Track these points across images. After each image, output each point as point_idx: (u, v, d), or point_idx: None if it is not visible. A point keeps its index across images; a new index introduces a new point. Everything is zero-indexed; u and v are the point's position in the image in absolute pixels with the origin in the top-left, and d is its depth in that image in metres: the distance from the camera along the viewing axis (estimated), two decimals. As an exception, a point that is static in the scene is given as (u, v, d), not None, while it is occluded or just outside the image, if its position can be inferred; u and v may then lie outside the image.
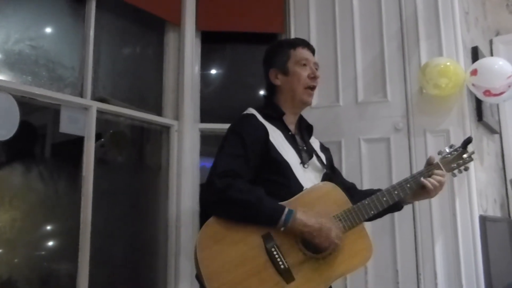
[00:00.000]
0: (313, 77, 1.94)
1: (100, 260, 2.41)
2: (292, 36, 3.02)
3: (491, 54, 3.34)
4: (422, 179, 1.80)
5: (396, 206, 1.87)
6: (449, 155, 1.87)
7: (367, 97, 2.77)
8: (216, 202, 1.62)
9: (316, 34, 2.98)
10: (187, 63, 2.99)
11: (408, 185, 1.79)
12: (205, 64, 3.14)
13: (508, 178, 3.11)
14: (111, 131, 2.71)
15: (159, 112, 2.94)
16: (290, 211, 1.61)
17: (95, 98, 2.53)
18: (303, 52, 1.97)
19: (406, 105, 2.67)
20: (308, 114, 2.85)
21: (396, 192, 1.77)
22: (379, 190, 1.87)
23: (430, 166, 1.84)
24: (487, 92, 2.47)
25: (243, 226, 1.61)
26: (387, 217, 2.55)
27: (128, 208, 2.73)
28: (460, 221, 2.45)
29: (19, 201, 2.21)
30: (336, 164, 2.73)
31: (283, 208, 1.61)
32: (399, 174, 2.50)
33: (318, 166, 1.92)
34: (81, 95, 2.47)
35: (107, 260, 2.54)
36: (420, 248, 2.51)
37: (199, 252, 1.56)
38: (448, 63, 2.49)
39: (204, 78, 3.13)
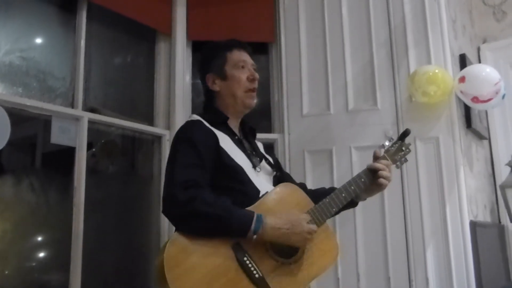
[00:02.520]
0: (252, 79, 1.88)
1: (92, 270, 2.39)
2: (283, 46, 3.05)
3: (479, 62, 3.38)
4: (372, 164, 1.80)
5: (352, 203, 1.87)
6: (392, 148, 1.88)
7: (357, 105, 2.80)
8: (181, 217, 1.55)
9: (306, 43, 3.00)
10: (178, 72, 3.00)
11: (362, 180, 1.79)
12: (196, 73, 3.13)
13: (498, 184, 3.13)
14: (103, 140, 2.70)
15: (150, 122, 2.95)
16: (259, 217, 1.56)
17: (86, 108, 2.53)
18: (239, 54, 1.90)
19: (396, 112, 2.69)
20: (299, 123, 2.91)
21: (352, 188, 1.77)
22: (332, 188, 1.89)
23: (377, 159, 1.84)
24: (475, 99, 2.51)
25: (210, 238, 1.54)
26: (378, 224, 2.60)
27: (120, 218, 2.72)
28: (450, 227, 2.48)
29: (10, 212, 2.20)
30: (327, 172, 2.78)
31: (251, 215, 1.56)
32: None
33: (268, 169, 1.90)
34: (72, 105, 2.47)
35: (99, 270, 2.53)
36: (411, 254, 2.53)
37: (168, 272, 1.45)
38: (436, 71, 2.52)
39: (195, 88, 3.14)
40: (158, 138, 2.93)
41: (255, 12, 3.15)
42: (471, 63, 2.89)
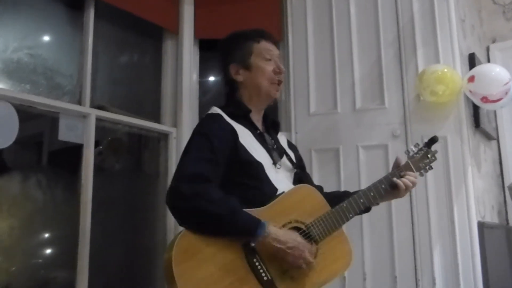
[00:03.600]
0: (279, 72, 1.83)
1: (99, 268, 2.40)
2: (290, 44, 3.04)
3: (488, 61, 3.36)
4: (394, 179, 1.76)
5: (367, 208, 1.82)
6: (417, 155, 1.83)
7: (365, 104, 2.79)
8: (182, 210, 1.51)
9: (313, 41, 2.99)
10: (185, 70, 3.00)
11: (383, 186, 1.76)
12: (203, 71, 3.14)
13: (506, 185, 3.11)
14: (109, 138, 2.70)
15: (157, 120, 2.95)
16: (262, 225, 1.51)
17: (94, 105, 2.53)
18: (267, 45, 1.85)
19: (403, 112, 2.68)
20: (306, 121, 2.90)
21: (372, 194, 1.73)
22: (346, 192, 1.86)
23: (401, 167, 1.81)
24: (485, 99, 2.49)
25: (220, 236, 1.51)
26: (385, 223, 2.58)
27: (127, 216, 2.73)
28: (458, 228, 2.46)
29: (17, 209, 2.20)
30: (334, 171, 2.77)
31: (256, 222, 1.51)
32: (397, 180, 2.51)
33: (289, 166, 1.84)
34: (79, 102, 2.47)
35: (106, 268, 2.53)
36: (418, 255, 2.51)
37: (175, 267, 1.43)
38: (445, 70, 2.50)
39: (202, 86, 3.14)
40: (165, 135, 2.93)
41: (262, 11, 3.14)
42: (480, 63, 2.87)
